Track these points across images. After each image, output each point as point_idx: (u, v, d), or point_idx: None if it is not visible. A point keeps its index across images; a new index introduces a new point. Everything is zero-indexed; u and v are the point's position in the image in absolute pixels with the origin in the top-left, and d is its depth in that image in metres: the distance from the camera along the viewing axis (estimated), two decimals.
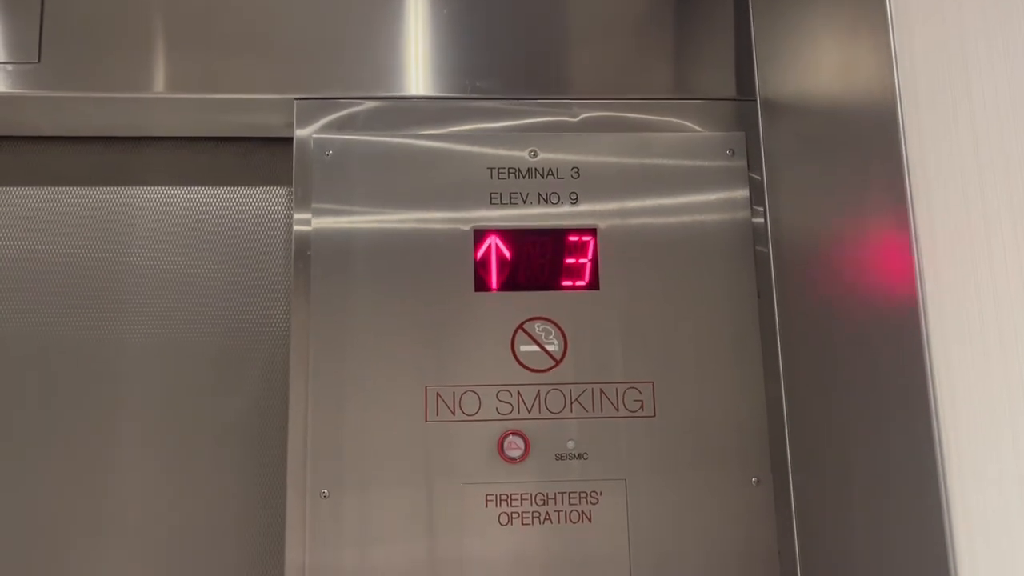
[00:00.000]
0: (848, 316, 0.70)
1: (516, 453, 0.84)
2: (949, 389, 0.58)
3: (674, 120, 0.94)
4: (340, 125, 0.91)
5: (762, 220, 0.90)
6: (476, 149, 0.91)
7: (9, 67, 0.90)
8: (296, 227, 0.88)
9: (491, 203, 0.90)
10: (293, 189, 0.90)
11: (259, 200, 1.01)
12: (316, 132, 0.90)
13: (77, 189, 1.00)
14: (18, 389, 0.95)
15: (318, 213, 0.88)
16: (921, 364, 0.58)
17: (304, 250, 0.88)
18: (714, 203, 0.92)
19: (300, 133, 0.91)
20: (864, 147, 0.67)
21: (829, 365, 0.74)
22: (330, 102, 0.91)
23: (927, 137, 0.60)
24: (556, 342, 0.87)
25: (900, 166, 0.61)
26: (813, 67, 0.78)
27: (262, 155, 1.02)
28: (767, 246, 0.88)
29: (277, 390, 0.95)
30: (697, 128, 0.94)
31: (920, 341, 0.58)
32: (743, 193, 0.92)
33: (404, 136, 0.91)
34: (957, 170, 0.59)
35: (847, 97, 0.71)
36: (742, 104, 0.95)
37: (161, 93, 0.91)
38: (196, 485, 0.94)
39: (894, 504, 0.63)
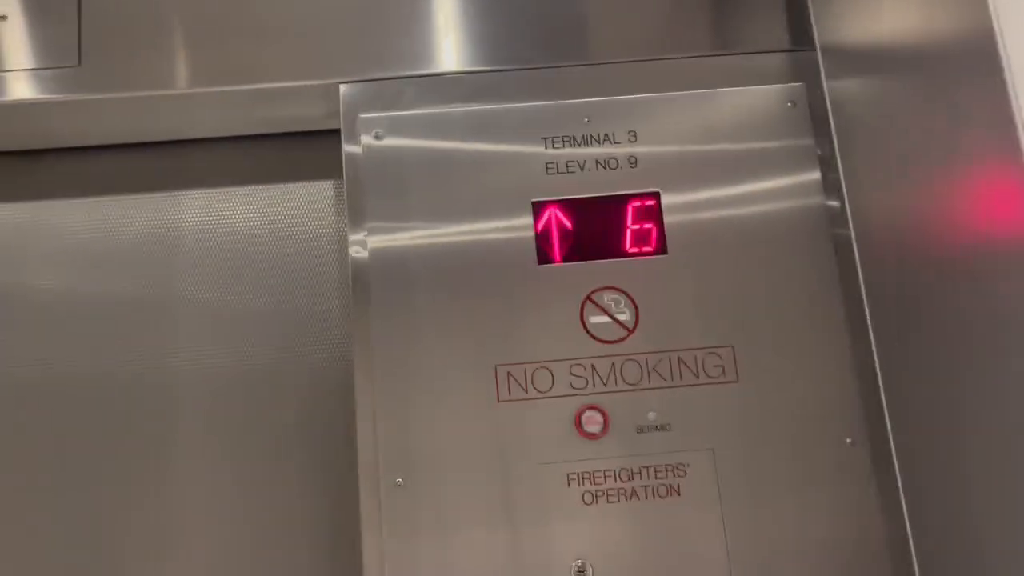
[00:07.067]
0: (949, 262, 0.65)
1: (595, 428, 0.80)
2: None
3: (728, 75, 0.90)
4: (385, 107, 0.88)
5: (835, 173, 0.86)
6: (529, 119, 0.88)
7: (48, 72, 0.89)
8: (352, 236, 0.85)
9: (547, 173, 0.86)
10: (344, 177, 0.87)
11: (305, 197, 0.99)
12: (361, 113, 0.88)
13: (113, 200, 0.97)
14: (70, 420, 0.92)
15: (373, 214, 0.85)
16: None
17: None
18: (779, 156, 0.87)
19: (345, 118, 0.88)
20: (957, 82, 0.62)
21: (929, 316, 0.69)
22: (375, 84, 0.89)
23: None
24: (627, 311, 0.83)
25: (1005, 97, 0.55)
26: (882, 3, 0.74)
27: (306, 151, 0.99)
28: (840, 198, 0.84)
29: (339, 389, 0.91)
30: (753, 83, 0.90)
31: None
32: (809, 144, 0.88)
33: (454, 114, 0.88)
34: None
35: (930, 28, 0.66)
36: (798, 55, 0.91)
37: (205, 87, 0.89)
38: (260, 503, 0.89)
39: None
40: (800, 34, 0.92)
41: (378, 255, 0.84)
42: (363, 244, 0.85)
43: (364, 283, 0.84)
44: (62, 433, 0.91)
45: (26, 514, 0.89)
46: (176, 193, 0.98)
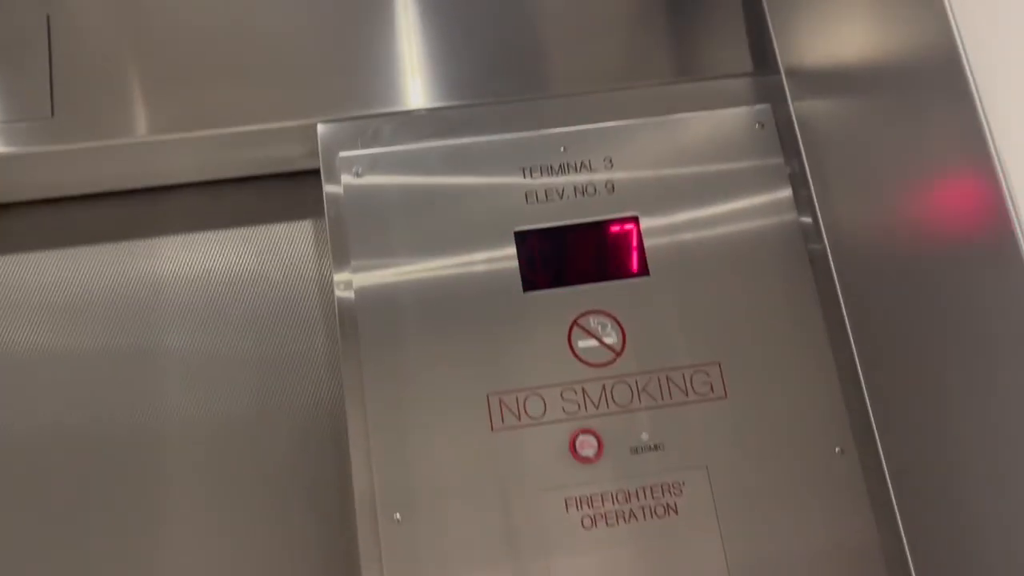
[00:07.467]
0: (924, 269, 0.67)
1: (590, 452, 0.80)
2: None
3: (696, 100, 0.93)
4: (364, 144, 0.89)
5: (806, 190, 0.88)
6: (507, 151, 0.89)
7: (21, 125, 0.88)
8: (337, 276, 0.85)
9: (528, 202, 0.88)
10: (326, 216, 0.87)
11: (286, 239, 0.98)
12: (341, 152, 0.89)
13: (90, 251, 0.96)
14: (55, 478, 0.90)
15: (357, 252, 0.86)
16: None
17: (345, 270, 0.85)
18: (751, 176, 0.90)
19: (324, 157, 0.89)
20: (921, 94, 0.64)
21: (907, 322, 0.71)
22: (352, 123, 0.90)
23: (998, 68, 0.57)
24: (614, 334, 0.84)
25: (970, 104, 0.57)
26: (842, 22, 0.77)
27: (285, 192, 0.99)
28: (813, 215, 0.86)
29: (328, 431, 0.90)
30: (720, 106, 0.93)
31: None
32: (781, 168, 0.90)
33: (433, 149, 0.89)
34: None
35: (891, 44, 0.68)
36: (762, 79, 0.94)
37: (181, 133, 0.89)
38: (252, 551, 0.88)
39: (1012, 451, 0.59)
40: (762, 57, 0.95)
41: (364, 293, 0.85)
42: (349, 283, 0.85)
43: (351, 322, 0.84)
44: (47, 491, 0.89)
45: (10, 570, 0.87)
46: (154, 240, 0.97)
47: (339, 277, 0.85)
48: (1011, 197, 0.55)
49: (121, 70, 0.92)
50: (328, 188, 0.88)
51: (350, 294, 0.85)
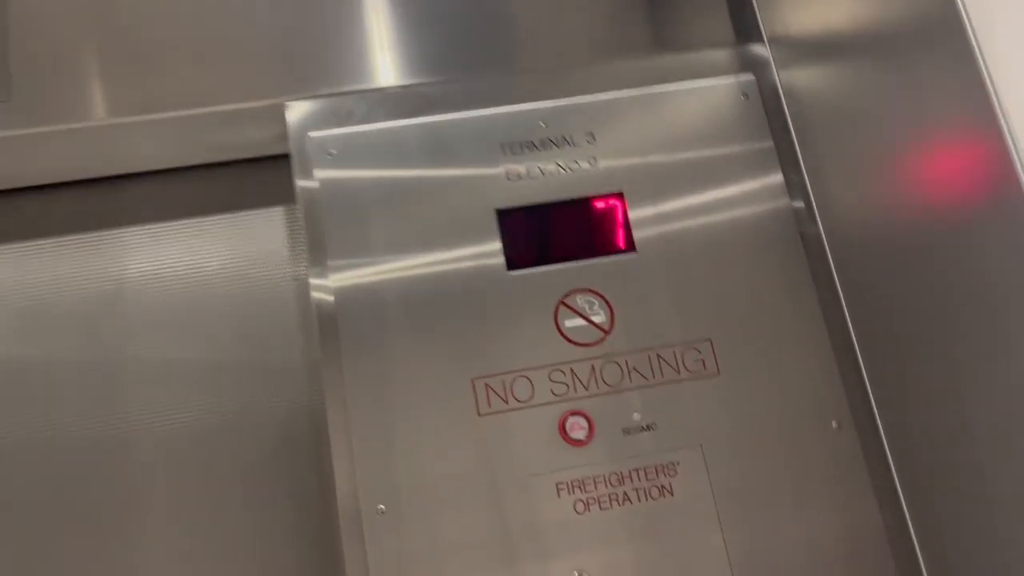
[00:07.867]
0: (921, 238, 0.65)
1: (580, 434, 0.77)
2: None
3: (677, 72, 0.91)
4: (336, 123, 0.86)
5: (795, 165, 0.85)
6: (485, 128, 0.86)
7: None
8: (313, 278, 0.81)
9: (509, 180, 0.85)
10: (299, 205, 0.84)
11: (257, 228, 0.94)
12: (310, 132, 0.85)
13: (48, 244, 0.92)
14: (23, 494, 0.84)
15: (334, 249, 0.82)
16: None
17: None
18: (735, 148, 0.88)
19: (294, 139, 0.85)
20: (918, 59, 0.62)
21: (905, 293, 0.69)
22: (322, 101, 0.86)
23: (999, 21, 0.55)
24: (602, 312, 0.81)
25: (973, 62, 0.55)
26: None
27: (255, 178, 0.94)
28: (804, 198, 0.84)
29: (306, 432, 0.86)
30: (703, 78, 0.90)
31: None
32: (767, 139, 0.88)
33: (409, 128, 0.86)
34: None
35: (885, 9, 0.66)
36: (746, 48, 0.92)
37: (143, 115, 0.85)
38: (232, 561, 0.84)
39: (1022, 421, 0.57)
40: (744, 27, 0.92)
41: (343, 293, 0.81)
42: (326, 282, 0.81)
43: (331, 322, 0.80)
44: (10, 504, 0.84)
45: None
46: (118, 232, 0.92)
47: (315, 277, 0.81)
48: (1019, 157, 0.53)
49: (80, 51, 0.88)
50: (301, 183, 0.84)
51: (329, 296, 0.81)
